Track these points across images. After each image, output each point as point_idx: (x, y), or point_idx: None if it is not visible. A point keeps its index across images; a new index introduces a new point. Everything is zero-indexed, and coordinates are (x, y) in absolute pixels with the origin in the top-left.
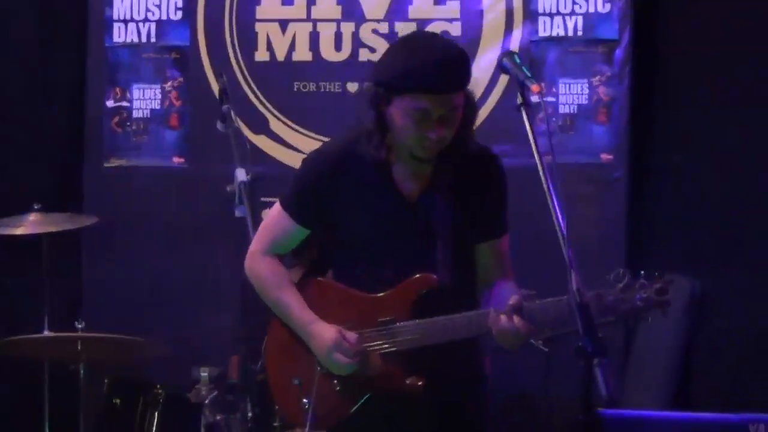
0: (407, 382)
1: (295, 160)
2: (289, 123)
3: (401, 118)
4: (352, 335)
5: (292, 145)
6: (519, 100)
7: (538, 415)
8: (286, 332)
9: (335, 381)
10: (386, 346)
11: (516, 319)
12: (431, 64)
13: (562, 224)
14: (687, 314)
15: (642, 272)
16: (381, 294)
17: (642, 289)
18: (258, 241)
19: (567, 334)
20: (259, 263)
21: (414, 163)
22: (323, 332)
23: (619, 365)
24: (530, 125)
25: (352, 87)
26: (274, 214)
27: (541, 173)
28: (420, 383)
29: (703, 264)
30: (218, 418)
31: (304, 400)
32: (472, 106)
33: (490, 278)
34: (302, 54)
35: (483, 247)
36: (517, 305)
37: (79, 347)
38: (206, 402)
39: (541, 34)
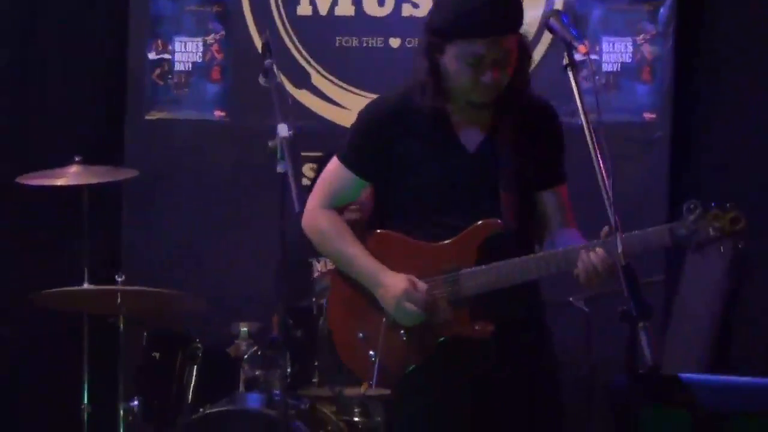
0: (476, 328)
1: (336, 116)
2: (331, 78)
3: (455, 64)
4: (421, 284)
5: (334, 100)
6: (565, 60)
7: (580, 376)
8: (348, 286)
9: (402, 332)
10: (453, 293)
11: (600, 252)
12: (481, 7)
13: (607, 185)
14: (728, 276)
15: (713, 204)
16: (445, 242)
17: (715, 219)
18: (315, 196)
19: (608, 294)
20: (318, 217)
21: (472, 110)
22: (392, 281)
23: (659, 328)
24: (577, 87)
25: (395, 42)
26: (331, 168)
27: (587, 133)
28: (490, 328)
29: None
30: (257, 373)
31: (371, 353)
32: (525, 49)
33: (551, 226)
34: (345, 8)
35: (544, 194)
36: (597, 241)
37: (118, 300)
38: (245, 357)
39: None
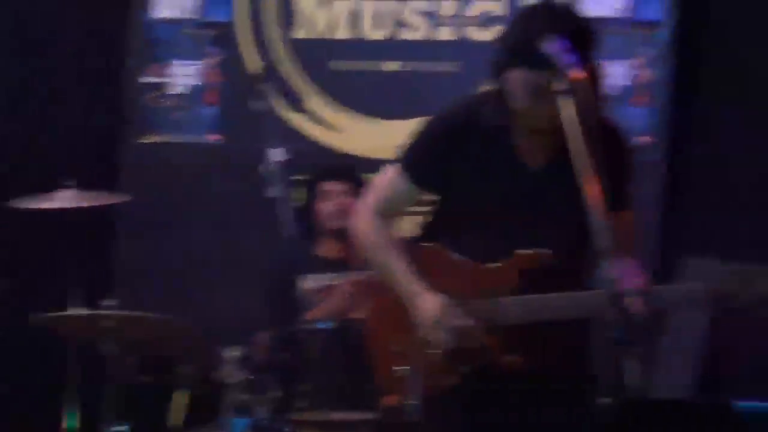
0: (506, 358)
1: (330, 139)
2: (326, 101)
3: (519, 89)
4: (456, 310)
5: (329, 123)
6: (559, 86)
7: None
8: (389, 299)
9: (435, 352)
10: (488, 320)
11: (639, 302)
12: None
13: (601, 210)
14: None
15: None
16: (491, 266)
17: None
18: (371, 198)
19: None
20: (367, 220)
21: (537, 133)
22: (428, 304)
23: (648, 352)
24: (567, 113)
25: (391, 65)
26: (389, 174)
27: (581, 158)
28: (518, 362)
29: (739, 250)
30: (244, 398)
31: (397, 368)
32: (595, 77)
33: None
34: (342, 31)
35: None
36: (645, 288)
37: (109, 325)
38: (233, 382)
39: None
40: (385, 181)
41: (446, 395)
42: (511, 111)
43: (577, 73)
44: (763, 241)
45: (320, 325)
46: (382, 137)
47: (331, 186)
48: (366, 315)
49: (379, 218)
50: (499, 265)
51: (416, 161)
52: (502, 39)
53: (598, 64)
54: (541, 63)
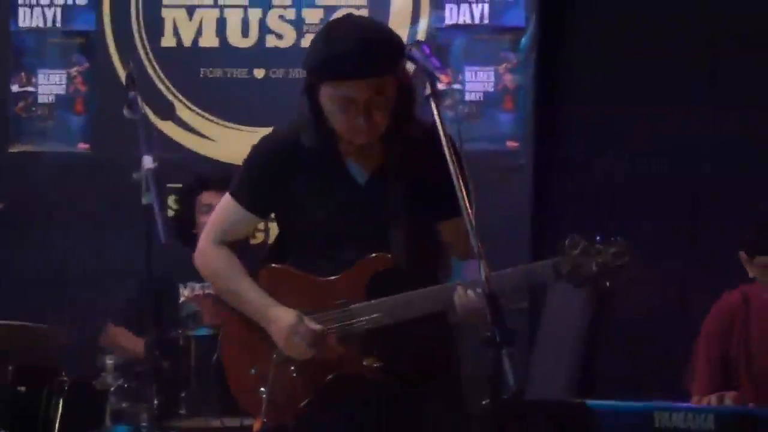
0: (364, 363)
1: (201, 147)
2: (196, 109)
3: (329, 105)
4: (309, 319)
5: (199, 131)
6: (428, 90)
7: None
8: (240, 322)
9: (292, 368)
10: (342, 328)
11: (480, 292)
12: (349, 50)
13: (470, 213)
14: (591, 303)
15: (598, 237)
16: (335, 277)
17: (598, 254)
18: (207, 233)
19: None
20: (210, 255)
21: (359, 146)
22: (282, 316)
23: (524, 353)
24: (439, 116)
25: (259, 73)
26: (223, 204)
27: (450, 164)
28: (377, 365)
29: None
30: (124, 405)
31: (261, 389)
32: (407, 87)
33: (459, 257)
34: (209, 40)
35: (445, 225)
36: (473, 279)
37: None
38: (111, 389)
39: (448, 21)
40: (221, 210)
41: (311, 408)
42: (330, 128)
43: (445, 77)
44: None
45: (199, 332)
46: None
47: (210, 198)
48: (220, 343)
49: (219, 248)
50: (344, 274)
51: (247, 188)
52: (307, 59)
53: (407, 72)
54: (343, 75)
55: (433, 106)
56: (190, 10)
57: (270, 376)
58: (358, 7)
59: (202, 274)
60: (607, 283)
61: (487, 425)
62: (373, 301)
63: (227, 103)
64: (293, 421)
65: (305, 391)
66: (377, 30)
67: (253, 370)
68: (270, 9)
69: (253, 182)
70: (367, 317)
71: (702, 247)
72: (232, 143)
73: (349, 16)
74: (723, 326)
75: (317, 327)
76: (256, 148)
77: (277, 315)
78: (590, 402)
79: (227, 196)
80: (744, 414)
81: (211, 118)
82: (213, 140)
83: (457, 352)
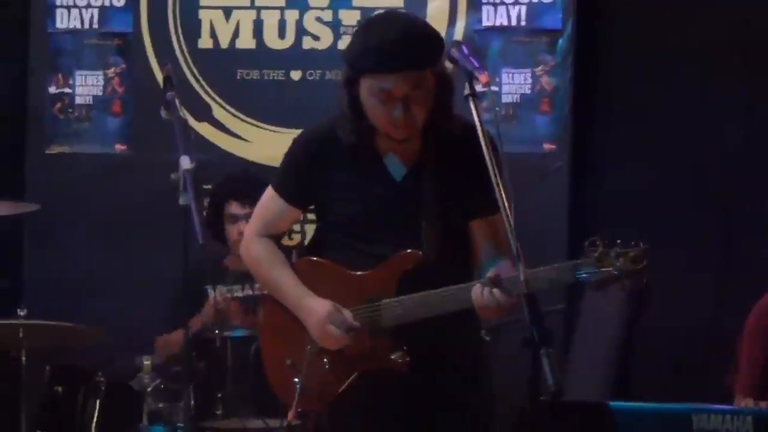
0: (392, 358)
1: (237, 148)
2: (232, 110)
3: (368, 99)
4: (345, 309)
5: (235, 132)
6: (467, 90)
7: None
8: (279, 312)
9: (325, 359)
10: (372, 323)
11: (495, 291)
12: (388, 43)
13: (509, 216)
14: (628, 304)
15: (618, 241)
16: (368, 271)
17: (617, 257)
18: (252, 224)
19: (509, 323)
20: (253, 245)
21: (396, 141)
22: (317, 306)
23: (560, 355)
24: (479, 116)
25: (296, 75)
26: (266, 196)
27: (488, 164)
28: (406, 359)
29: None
30: (161, 406)
31: (296, 380)
32: (446, 83)
33: (489, 257)
34: (246, 41)
35: (476, 224)
36: (494, 277)
37: (20, 335)
38: (148, 390)
39: (485, 23)
40: (264, 203)
41: (341, 400)
42: (368, 123)
43: (484, 77)
44: (664, 247)
45: (235, 333)
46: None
47: (236, 209)
48: (259, 333)
49: (263, 240)
50: (377, 269)
51: (287, 181)
52: (347, 52)
53: (446, 68)
54: (382, 68)
55: (473, 106)
56: (227, 11)
57: (304, 367)
58: (395, 6)
59: (245, 262)
60: (625, 286)
61: (524, 426)
62: (401, 297)
63: (263, 105)
64: (324, 410)
65: (337, 382)
66: (419, 25)
67: (288, 361)
68: (307, 10)
69: (293, 175)
70: (394, 313)
71: (736, 252)
72: (267, 145)
73: (392, 11)
74: (765, 325)
75: (350, 318)
76: (296, 142)
77: (313, 305)
78: (628, 404)
79: (269, 190)
80: None
81: (247, 119)
82: (249, 141)
83: (484, 351)
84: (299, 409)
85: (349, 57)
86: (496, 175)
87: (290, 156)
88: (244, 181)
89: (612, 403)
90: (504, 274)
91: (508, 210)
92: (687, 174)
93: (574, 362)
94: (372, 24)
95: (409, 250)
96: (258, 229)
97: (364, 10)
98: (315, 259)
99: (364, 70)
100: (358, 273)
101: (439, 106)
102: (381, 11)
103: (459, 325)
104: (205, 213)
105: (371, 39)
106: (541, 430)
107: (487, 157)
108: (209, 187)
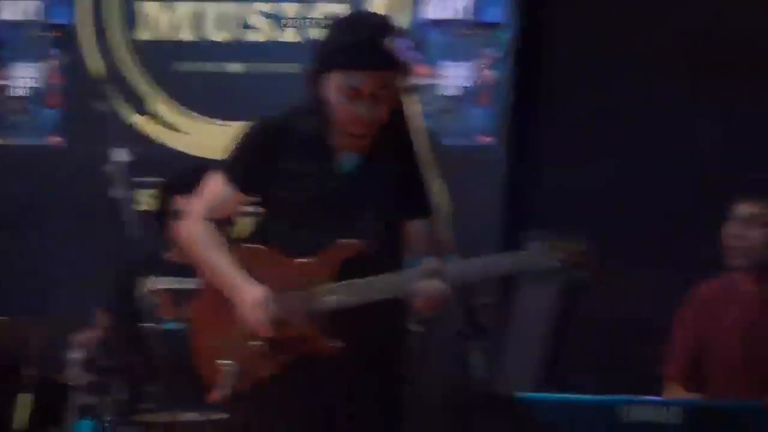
0: (325, 343)
1: (175, 141)
2: (170, 103)
3: (334, 94)
4: (277, 296)
5: (172, 125)
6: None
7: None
8: (211, 295)
9: (257, 343)
10: (309, 308)
11: (434, 281)
12: (363, 41)
13: (443, 208)
14: (563, 297)
15: (556, 233)
16: (307, 258)
17: (557, 250)
18: (194, 207)
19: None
20: (195, 226)
21: (351, 136)
22: (250, 290)
23: (494, 347)
24: (414, 110)
25: (235, 67)
26: (213, 180)
27: (423, 156)
28: (338, 345)
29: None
30: (90, 399)
31: (223, 361)
32: (410, 86)
33: (419, 255)
34: (185, 33)
35: (409, 225)
36: (433, 267)
37: None
38: (78, 384)
39: (430, 15)
40: (210, 187)
41: (269, 385)
42: (328, 117)
43: (423, 70)
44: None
45: (167, 326)
46: (227, 139)
47: (182, 204)
48: (189, 314)
49: (205, 222)
50: (318, 257)
51: (236, 168)
52: (318, 47)
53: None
54: (354, 65)
55: (409, 99)
56: (167, 2)
57: (232, 349)
58: (339, 1)
59: (180, 243)
60: (563, 279)
61: (454, 417)
62: (339, 283)
63: (203, 97)
64: (248, 388)
65: (267, 367)
66: (392, 26)
67: (218, 343)
68: (248, 3)
69: (241, 162)
70: (331, 298)
71: (677, 249)
72: (206, 137)
73: (363, 10)
74: (699, 312)
75: (281, 306)
76: (247, 130)
77: (246, 287)
78: (552, 396)
79: (217, 174)
80: (712, 407)
81: (185, 111)
82: (187, 134)
83: (411, 341)
84: (222, 391)
85: (323, 51)
86: (424, 172)
87: (242, 143)
88: (185, 178)
89: (535, 395)
90: (431, 260)
91: (440, 208)
92: (626, 170)
93: (507, 355)
94: (344, 21)
95: (348, 240)
96: (201, 211)
97: (307, 3)
98: (253, 246)
99: (337, 66)
100: (299, 260)
101: (399, 107)
102: (353, 11)
103: (387, 313)
104: (152, 208)
105: (348, 35)
106: (469, 421)
107: (418, 153)
108: (145, 180)
